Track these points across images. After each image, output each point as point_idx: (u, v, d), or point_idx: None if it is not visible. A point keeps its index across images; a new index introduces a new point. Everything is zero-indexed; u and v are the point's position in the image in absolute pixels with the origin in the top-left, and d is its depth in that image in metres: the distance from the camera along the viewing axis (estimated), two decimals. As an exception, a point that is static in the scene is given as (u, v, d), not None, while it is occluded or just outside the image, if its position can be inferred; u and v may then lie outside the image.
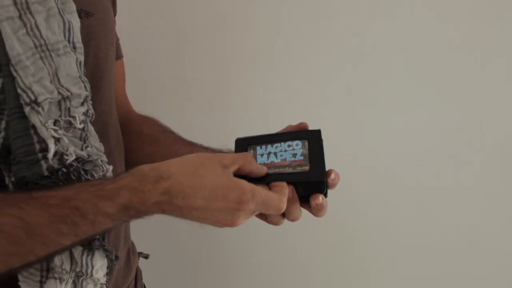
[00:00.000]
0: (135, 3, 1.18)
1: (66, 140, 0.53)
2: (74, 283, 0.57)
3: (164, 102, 1.21)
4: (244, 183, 0.50)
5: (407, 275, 1.24)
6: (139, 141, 0.80)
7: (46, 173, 0.52)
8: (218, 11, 1.18)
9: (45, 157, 0.52)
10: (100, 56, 0.71)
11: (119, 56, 0.86)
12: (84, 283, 0.58)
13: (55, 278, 0.55)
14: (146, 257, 0.85)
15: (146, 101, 0.86)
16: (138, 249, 0.83)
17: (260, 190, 0.51)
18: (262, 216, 0.57)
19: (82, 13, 0.67)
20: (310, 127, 0.63)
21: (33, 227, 0.48)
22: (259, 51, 1.18)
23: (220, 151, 0.73)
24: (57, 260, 0.55)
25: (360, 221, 1.23)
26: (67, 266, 0.55)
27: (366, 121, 1.18)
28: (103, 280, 0.61)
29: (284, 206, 0.52)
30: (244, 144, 0.63)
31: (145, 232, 0.95)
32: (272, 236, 1.23)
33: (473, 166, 1.17)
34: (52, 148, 0.52)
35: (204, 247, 1.26)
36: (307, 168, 0.57)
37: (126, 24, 1.18)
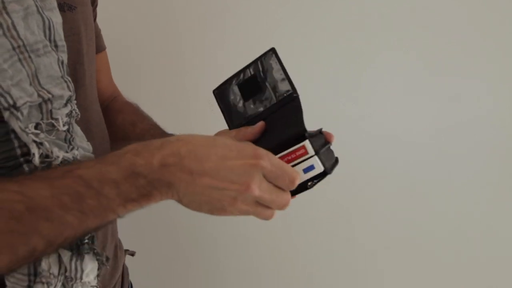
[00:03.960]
0: (136, 4, 1.16)
1: (47, 145, 0.51)
2: (63, 286, 0.56)
3: (164, 102, 1.20)
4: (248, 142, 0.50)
5: (403, 274, 1.25)
6: (112, 133, 0.78)
7: None
8: (219, 9, 1.16)
9: (27, 161, 0.50)
10: (82, 52, 0.69)
11: (102, 48, 0.84)
12: (74, 286, 0.57)
13: (43, 283, 0.54)
14: (133, 254, 0.84)
15: (146, 101, 0.85)
16: (125, 246, 0.82)
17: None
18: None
19: (65, 7, 0.65)
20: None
21: (35, 201, 0.45)
22: (260, 51, 1.16)
23: None
24: (44, 265, 0.53)
25: (358, 219, 1.23)
26: (55, 270, 0.54)
27: (363, 119, 1.18)
28: (94, 282, 0.60)
29: (297, 178, 0.49)
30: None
31: (131, 229, 0.94)
32: (260, 233, 1.23)
33: (473, 165, 1.17)
34: (36, 152, 0.50)
35: (191, 244, 1.26)
36: None
37: (126, 24, 1.16)
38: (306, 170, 0.53)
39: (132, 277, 0.85)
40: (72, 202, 0.45)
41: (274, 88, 0.60)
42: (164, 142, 0.47)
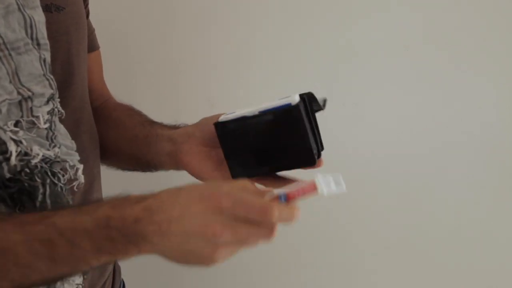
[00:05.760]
0: (136, 4, 1.16)
1: (25, 143, 0.52)
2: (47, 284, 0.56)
3: (164, 101, 1.20)
4: (221, 181, 0.47)
5: (403, 275, 1.24)
6: (105, 125, 0.78)
7: (8, 175, 0.51)
8: (219, 9, 1.16)
9: (6, 159, 0.51)
10: (72, 52, 0.69)
11: (95, 47, 0.84)
12: (59, 283, 0.57)
13: None
14: (126, 253, 0.84)
15: (146, 101, 0.84)
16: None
17: (241, 188, 0.45)
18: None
19: (53, 8, 0.65)
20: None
21: (6, 243, 0.45)
22: (260, 50, 1.16)
23: (174, 127, 0.73)
24: None
25: (357, 219, 1.22)
26: None
27: (362, 119, 1.17)
28: (78, 280, 0.60)
29: (268, 209, 0.44)
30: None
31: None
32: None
33: (473, 165, 1.16)
34: (13, 150, 0.50)
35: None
36: None
37: (126, 25, 1.16)
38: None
39: (125, 275, 0.86)
40: (43, 249, 0.45)
41: None
42: (140, 198, 0.46)
